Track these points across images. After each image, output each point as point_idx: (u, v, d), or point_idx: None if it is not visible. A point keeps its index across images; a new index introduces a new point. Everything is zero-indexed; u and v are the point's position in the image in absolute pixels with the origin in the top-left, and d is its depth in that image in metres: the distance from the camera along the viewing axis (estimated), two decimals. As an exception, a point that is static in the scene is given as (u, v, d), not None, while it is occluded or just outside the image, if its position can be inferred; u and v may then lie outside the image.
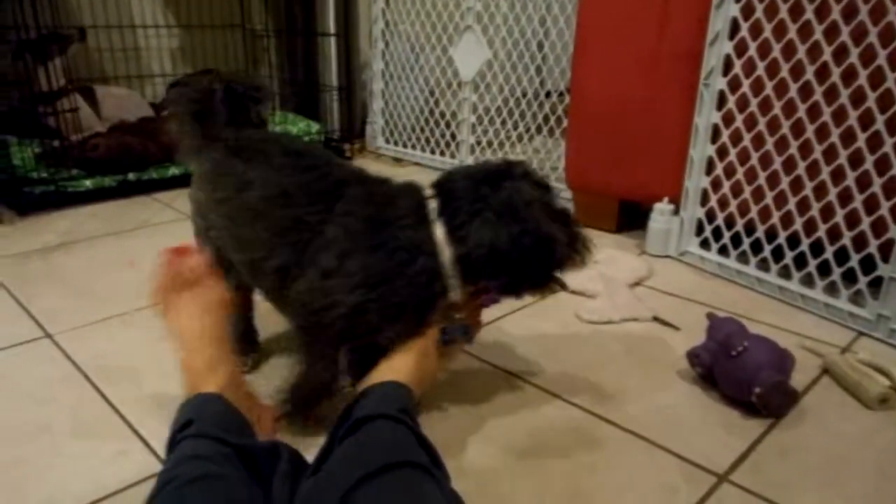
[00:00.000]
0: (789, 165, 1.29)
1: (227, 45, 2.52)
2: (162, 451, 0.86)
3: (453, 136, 2.26)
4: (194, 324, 0.83)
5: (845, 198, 1.21)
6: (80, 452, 0.86)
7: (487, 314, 1.25)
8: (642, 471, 0.85)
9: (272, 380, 1.00)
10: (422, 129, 2.38)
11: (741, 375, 0.95)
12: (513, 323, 1.24)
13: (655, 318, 1.25)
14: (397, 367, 0.82)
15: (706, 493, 0.81)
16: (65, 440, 0.88)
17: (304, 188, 0.87)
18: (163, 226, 1.71)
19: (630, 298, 1.31)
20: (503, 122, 2.12)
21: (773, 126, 1.30)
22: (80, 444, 0.87)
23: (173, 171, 1.99)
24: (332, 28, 2.41)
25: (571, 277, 1.38)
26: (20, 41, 1.76)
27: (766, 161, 1.33)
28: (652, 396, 1.01)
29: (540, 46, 1.99)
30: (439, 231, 0.82)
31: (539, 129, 2.05)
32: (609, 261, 1.49)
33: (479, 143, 2.21)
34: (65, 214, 1.77)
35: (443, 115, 2.30)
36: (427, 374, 0.86)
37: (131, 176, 1.93)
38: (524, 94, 2.07)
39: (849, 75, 1.16)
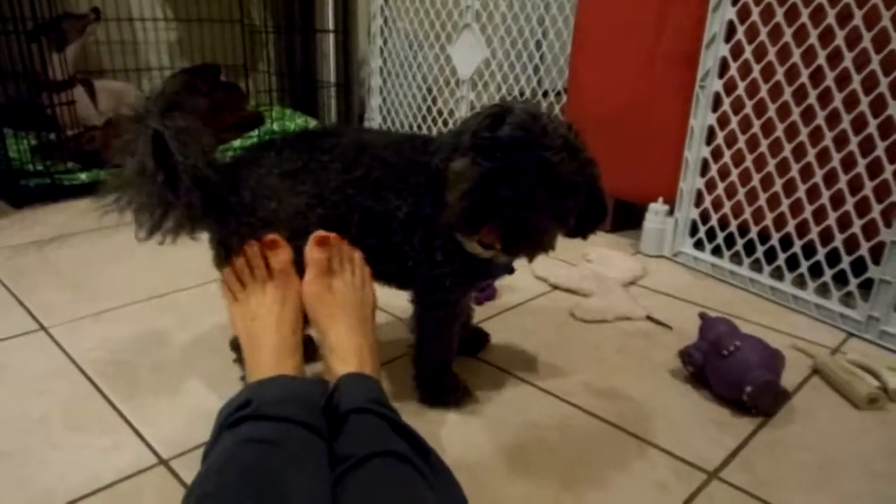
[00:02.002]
0: (783, 168, 1.30)
1: (226, 39, 2.52)
2: (155, 443, 0.86)
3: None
4: (272, 311, 0.83)
5: (837, 200, 1.22)
6: (75, 445, 0.86)
7: (483, 311, 1.26)
8: (633, 467, 0.86)
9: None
10: (419, 127, 2.38)
11: (732, 375, 0.96)
12: (507, 321, 1.25)
13: (648, 318, 1.26)
14: (348, 348, 0.82)
15: (696, 489, 0.82)
16: (59, 433, 0.88)
17: (391, 158, 0.89)
18: (159, 220, 1.71)
19: (624, 298, 1.32)
20: (500, 121, 2.12)
21: (768, 128, 1.31)
22: (74, 436, 0.88)
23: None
24: (330, 24, 2.41)
25: (566, 277, 1.40)
26: (36, 23, 1.76)
27: (760, 163, 1.34)
28: (644, 394, 1.02)
29: (538, 46, 1.99)
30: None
31: (536, 129, 2.06)
32: (603, 260, 1.50)
33: (475, 141, 2.22)
34: (60, 207, 1.77)
35: (440, 112, 2.30)
36: (357, 312, 0.86)
37: (127, 169, 1.92)
38: (522, 93, 2.07)
39: (842, 79, 1.17)
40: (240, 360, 0.95)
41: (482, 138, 0.77)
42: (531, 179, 0.74)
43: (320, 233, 0.86)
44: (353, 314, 0.86)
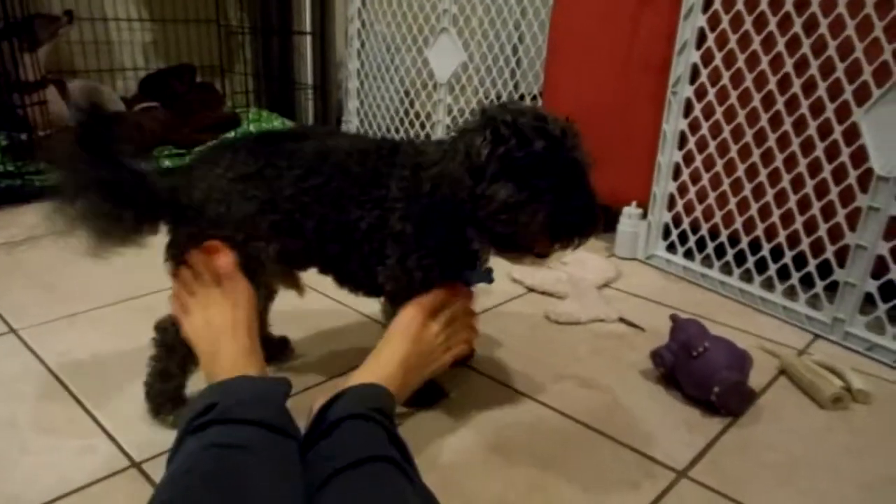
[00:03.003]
0: (752, 172, 1.33)
1: (202, 40, 2.50)
2: (127, 446, 0.86)
3: (428, 137, 2.28)
4: (225, 316, 0.83)
5: (804, 205, 1.25)
6: (46, 448, 0.85)
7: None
8: (605, 467, 0.87)
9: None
10: (397, 130, 2.38)
11: (701, 375, 0.97)
12: (483, 323, 1.25)
13: (621, 319, 1.28)
14: (384, 361, 0.84)
15: (665, 488, 0.84)
16: (29, 436, 0.87)
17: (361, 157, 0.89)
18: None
19: (597, 300, 1.34)
20: (477, 125, 2.13)
21: (737, 134, 1.34)
22: (44, 439, 0.87)
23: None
24: (307, 26, 2.41)
25: (541, 279, 1.42)
26: (7, 22, 1.74)
27: (730, 168, 1.37)
28: (616, 395, 1.04)
29: (514, 50, 2.01)
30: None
31: (512, 132, 2.07)
32: (578, 263, 1.52)
33: (453, 144, 2.23)
34: (31, 209, 1.74)
35: (417, 115, 2.31)
36: (422, 358, 0.87)
37: (101, 171, 1.90)
38: (498, 97, 2.09)
39: (809, 86, 1.20)
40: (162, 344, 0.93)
41: (515, 158, 0.76)
42: (579, 178, 0.79)
43: (455, 285, 0.90)
44: (417, 360, 0.87)
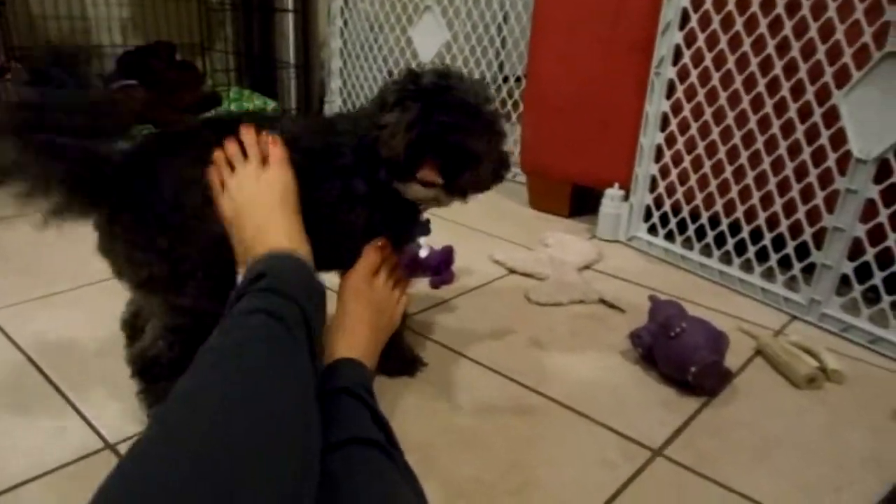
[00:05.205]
0: (733, 155, 1.33)
1: (181, 17, 2.46)
2: (102, 428, 0.85)
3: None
4: (275, 193, 0.79)
5: (784, 187, 1.25)
6: (18, 428, 0.84)
7: (438, 294, 1.27)
8: (582, 446, 0.88)
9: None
10: (380, 110, 2.36)
11: (678, 356, 0.98)
12: (462, 303, 1.26)
13: (602, 301, 1.28)
14: (350, 328, 0.85)
15: (640, 467, 0.84)
16: (2, 417, 0.86)
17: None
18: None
19: (578, 281, 1.34)
20: (461, 105, 2.12)
21: (719, 116, 1.34)
22: (17, 420, 0.86)
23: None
24: (289, 4, 2.37)
25: (522, 261, 1.42)
26: None
27: (711, 150, 1.37)
28: (595, 375, 1.04)
29: (499, 30, 1.99)
30: None
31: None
32: (559, 245, 1.52)
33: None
34: (7, 190, 1.71)
35: (401, 96, 2.29)
36: (381, 316, 0.89)
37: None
38: (483, 78, 2.07)
39: (790, 68, 1.20)
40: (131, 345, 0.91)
41: (407, 90, 0.82)
42: (467, 112, 0.81)
43: (383, 240, 0.90)
44: (377, 317, 0.88)
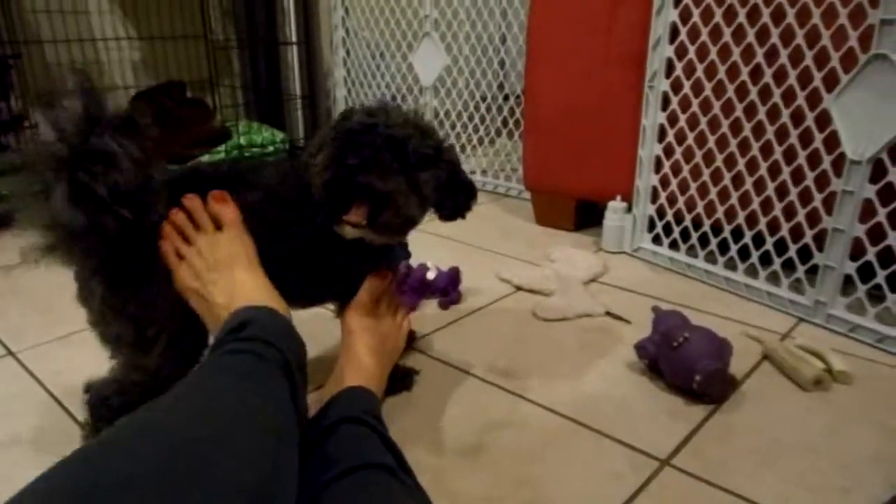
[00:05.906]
0: (730, 162, 1.35)
1: (190, 56, 2.53)
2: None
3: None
4: (236, 251, 0.78)
5: (782, 192, 1.27)
6: (44, 467, 0.87)
7: (445, 316, 1.29)
8: (590, 459, 0.89)
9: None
10: (386, 135, 2.41)
11: (683, 366, 0.99)
12: (470, 322, 1.28)
13: (608, 313, 1.30)
14: (357, 359, 0.89)
15: (649, 477, 0.85)
16: (28, 455, 0.90)
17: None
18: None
19: (584, 295, 1.36)
20: (464, 126, 2.16)
21: (714, 125, 1.36)
22: (42, 458, 0.89)
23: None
24: (293, 37, 2.43)
25: (529, 277, 1.44)
26: None
27: (708, 158, 1.39)
28: (602, 388, 1.06)
29: (497, 51, 2.03)
30: None
31: (499, 132, 2.10)
32: (566, 260, 1.54)
33: (441, 146, 2.25)
34: (26, 233, 1.77)
35: (405, 120, 2.33)
36: (386, 343, 0.93)
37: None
38: (483, 98, 2.11)
39: (780, 75, 1.22)
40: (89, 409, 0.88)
41: (337, 132, 0.82)
42: (377, 149, 0.79)
43: (384, 271, 0.94)
44: (382, 344, 0.92)
